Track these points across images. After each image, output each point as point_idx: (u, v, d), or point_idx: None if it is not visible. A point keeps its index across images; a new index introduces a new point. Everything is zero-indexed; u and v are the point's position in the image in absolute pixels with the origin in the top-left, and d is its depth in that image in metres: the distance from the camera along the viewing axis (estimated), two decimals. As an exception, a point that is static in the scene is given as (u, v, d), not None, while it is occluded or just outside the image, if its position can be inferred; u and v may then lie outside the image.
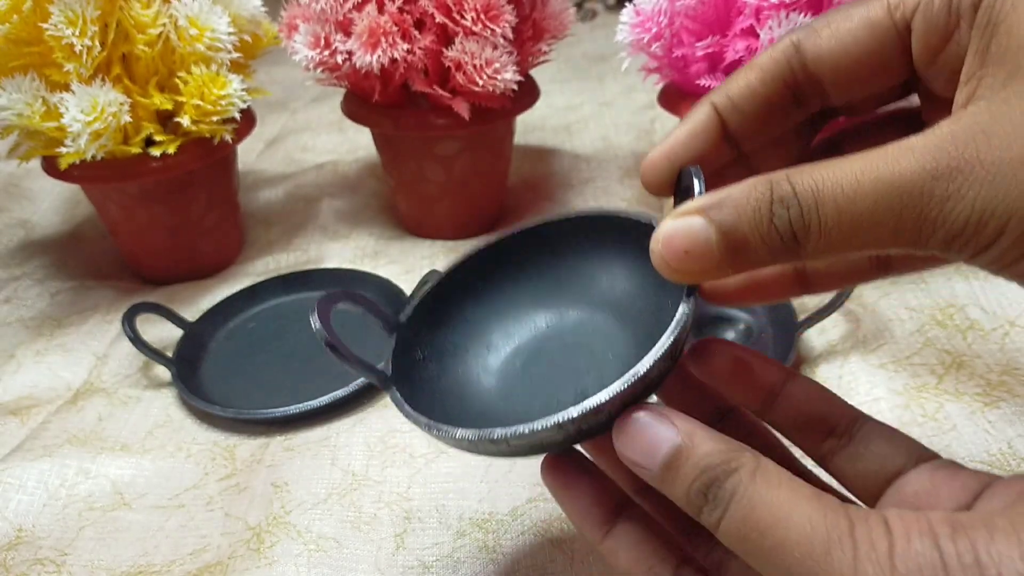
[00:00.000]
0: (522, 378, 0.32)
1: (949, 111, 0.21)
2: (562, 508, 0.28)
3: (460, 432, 0.25)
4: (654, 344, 0.24)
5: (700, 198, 0.22)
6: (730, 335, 0.51)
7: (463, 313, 0.34)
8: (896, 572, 0.18)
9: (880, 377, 0.47)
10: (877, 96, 0.25)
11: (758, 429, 0.29)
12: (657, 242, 0.22)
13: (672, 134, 0.27)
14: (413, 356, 0.32)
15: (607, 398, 0.23)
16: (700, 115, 0.26)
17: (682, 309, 0.25)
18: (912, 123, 0.27)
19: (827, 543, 0.19)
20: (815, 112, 0.26)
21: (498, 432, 0.24)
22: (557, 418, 0.24)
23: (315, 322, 0.26)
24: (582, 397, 0.24)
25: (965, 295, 0.52)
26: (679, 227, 0.22)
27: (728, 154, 0.26)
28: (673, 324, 0.24)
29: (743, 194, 0.21)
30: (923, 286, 0.53)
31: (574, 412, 0.23)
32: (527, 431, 0.24)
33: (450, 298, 0.33)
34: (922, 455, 0.25)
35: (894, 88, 0.25)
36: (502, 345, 0.33)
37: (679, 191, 0.27)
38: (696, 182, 0.25)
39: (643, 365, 0.24)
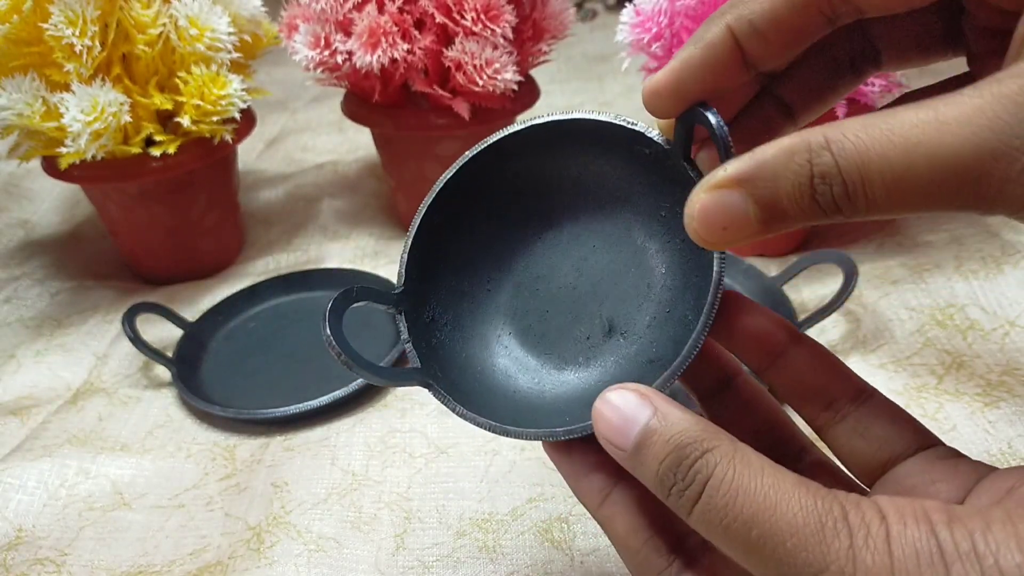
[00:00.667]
0: (538, 319, 0.31)
1: (996, 38, 0.20)
2: (560, 472, 0.27)
3: (528, 431, 0.25)
4: (667, 256, 0.24)
5: (733, 164, 0.20)
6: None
7: (450, 253, 0.31)
8: (894, 558, 0.17)
9: (880, 377, 0.46)
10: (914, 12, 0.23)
11: (762, 401, 0.28)
12: (692, 218, 0.21)
13: (680, 57, 0.24)
14: (423, 320, 0.30)
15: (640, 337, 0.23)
16: (713, 36, 0.23)
17: (716, 273, 0.24)
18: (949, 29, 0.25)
19: (820, 531, 0.18)
20: (847, 25, 0.24)
21: (560, 431, 0.25)
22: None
23: (333, 345, 0.25)
24: (608, 328, 0.23)
25: (965, 295, 0.52)
26: (715, 203, 0.20)
27: (743, 79, 0.24)
28: (708, 304, 0.24)
29: (780, 164, 0.19)
30: (923, 286, 0.53)
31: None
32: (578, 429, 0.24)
33: (433, 242, 0.30)
34: (924, 441, 0.24)
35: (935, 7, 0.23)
36: (502, 280, 0.31)
37: (686, 124, 0.25)
38: (717, 131, 0.23)
39: (680, 365, 0.24)
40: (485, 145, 0.30)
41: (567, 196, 0.31)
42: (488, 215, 0.31)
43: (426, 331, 0.29)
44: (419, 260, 0.30)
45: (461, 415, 0.27)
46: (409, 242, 0.29)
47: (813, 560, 0.18)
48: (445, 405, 0.27)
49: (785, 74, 0.26)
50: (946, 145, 0.17)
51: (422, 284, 0.30)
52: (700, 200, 0.21)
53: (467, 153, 0.30)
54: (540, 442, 0.26)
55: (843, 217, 0.19)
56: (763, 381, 0.27)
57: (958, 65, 0.26)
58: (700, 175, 0.26)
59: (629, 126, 0.28)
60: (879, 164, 0.18)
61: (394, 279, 0.58)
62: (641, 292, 0.28)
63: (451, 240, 0.31)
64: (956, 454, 0.24)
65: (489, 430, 0.26)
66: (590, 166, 0.30)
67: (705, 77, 0.24)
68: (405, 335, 0.28)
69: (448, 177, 0.30)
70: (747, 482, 0.19)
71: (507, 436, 0.26)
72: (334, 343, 0.25)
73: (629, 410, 0.22)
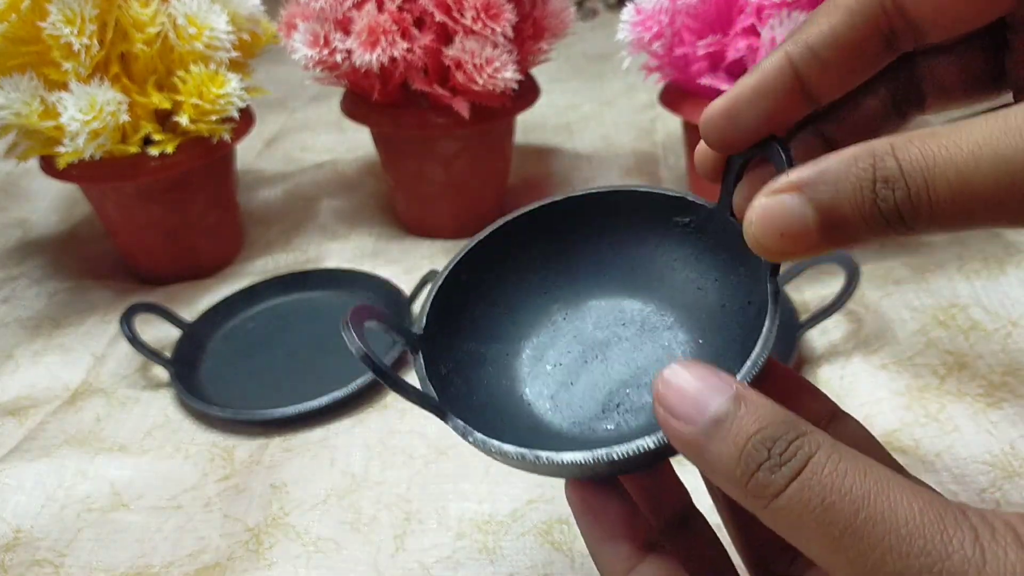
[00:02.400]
0: (562, 388, 0.29)
1: None
2: (583, 532, 0.25)
3: (568, 456, 0.22)
4: (705, 332, 0.23)
5: (795, 171, 0.20)
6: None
7: (473, 315, 0.31)
8: None
9: (882, 378, 0.46)
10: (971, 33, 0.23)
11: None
12: (751, 222, 0.20)
13: (737, 86, 0.24)
14: (439, 372, 0.28)
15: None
16: (772, 65, 0.23)
17: (767, 326, 0.23)
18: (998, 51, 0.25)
19: (940, 521, 0.16)
20: (905, 54, 0.23)
21: (617, 451, 0.22)
22: (649, 440, 0.22)
23: (356, 348, 0.23)
24: (640, 401, 0.22)
25: (967, 295, 0.52)
26: (774, 205, 0.20)
27: (802, 111, 0.24)
28: (763, 335, 0.23)
29: (843, 169, 0.19)
30: (925, 286, 0.53)
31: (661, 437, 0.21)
32: (635, 449, 0.22)
33: (457, 299, 0.30)
34: None
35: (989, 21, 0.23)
36: (523, 347, 0.31)
37: (737, 167, 0.25)
38: (779, 151, 0.23)
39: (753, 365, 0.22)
40: (520, 213, 0.30)
41: (599, 271, 0.30)
42: (516, 282, 0.31)
43: (441, 381, 0.28)
44: (440, 312, 0.29)
45: (480, 445, 0.25)
46: (434, 291, 0.29)
47: (932, 549, 0.16)
48: (463, 436, 0.25)
49: (830, 113, 0.26)
50: (1015, 148, 0.17)
51: (442, 337, 0.29)
52: (759, 203, 0.20)
53: (503, 218, 0.30)
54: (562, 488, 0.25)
55: (905, 228, 0.19)
56: None
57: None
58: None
59: (670, 194, 0.28)
60: (944, 168, 0.17)
61: (393, 279, 0.58)
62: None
63: (475, 301, 0.30)
64: None
65: (520, 460, 0.23)
66: (625, 242, 0.30)
67: (761, 104, 0.23)
68: (423, 373, 0.27)
69: (481, 237, 0.30)
70: (854, 463, 0.18)
71: (536, 468, 0.23)
72: (369, 357, 0.23)
73: (706, 383, 0.20)
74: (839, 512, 0.17)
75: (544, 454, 0.23)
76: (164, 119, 0.56)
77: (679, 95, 0.57)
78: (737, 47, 0.51)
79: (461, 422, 0.25)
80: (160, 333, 0.55)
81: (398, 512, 0.41)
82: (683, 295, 0.29)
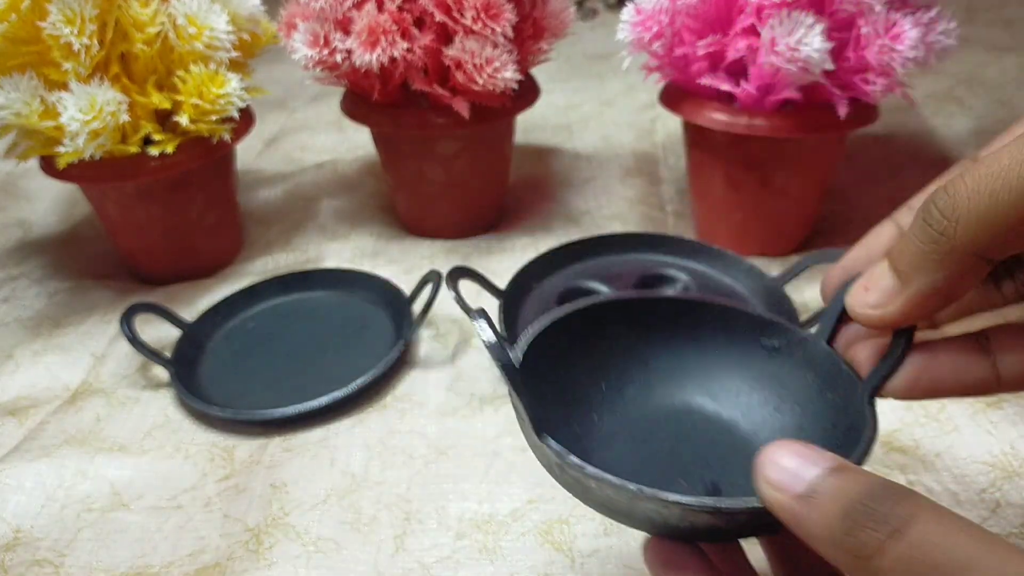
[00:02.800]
0: (627, 453, 0.30)
1: None
2: None
3: (674, 496, 0.22)
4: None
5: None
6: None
7: (558, 376, 0.30)
8: None
9: (882, 378, 0.46)
10: None
11: None
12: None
13: (854, 248, 0.28)
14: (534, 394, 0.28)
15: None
16: (882, 232, 0.26)
17: (867, 438, 0.24)
18: None
19: None
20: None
21: (725, 503, 0.22)
22: (745, 502, 0.22)
23: (506, 354, 0.23)
24: (713, 487, 0.23)
25: (967, 295, 0.52)
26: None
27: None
28: (864, 442, 0.24)
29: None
30: (925, 286, 0.53)
31: (754, 502, 0.21)
32: (741, 505, 0.22)
33: (546, 352, 0.29)
34: None
35: None
36: (592, 417, 0.31)
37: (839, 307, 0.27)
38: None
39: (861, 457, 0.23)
40: (608, 300, 0.30)
41: (677, 375, 0.31)
42: (591, 367, 0.31)
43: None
44: (529, 355, 0.28)
45: (575, 469, 0.24)
46: (531, 336, 0.29)
47: None
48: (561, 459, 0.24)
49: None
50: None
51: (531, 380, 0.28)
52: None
53: (598, 298, 0.30)
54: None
55: (946, 240, 0.21)
56: None
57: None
58: (844, 360, 0.27)
59: (765, 317, 0.29)
60: (974, 184, 0.20)
61: (393, 279, 0.58)
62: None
63: (560, 362, 0.30)
64: None
65: (619, 490, 0.23)
66: (708, 351, 0.30)
67: (869, 261, 0.26)
68: (521, 403, 0.25)
69: (572, 311, 0.30)
70: (957, 523, 0.18)
71: (631, 502, 0.23)
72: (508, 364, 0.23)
73: (804, 456, 0.21)
74: (945, 571, 0.17)
75: (648, 489, 0.22)
76: (164, 119, 0.56)
77: (679, 95, 0.57)
78: (737, 47, 0.51)
79: (558, 445, 0.24)
80: (160, 333, 0.55)
81: (398, 512, 0.41)
82: (760, 412, 0.30)
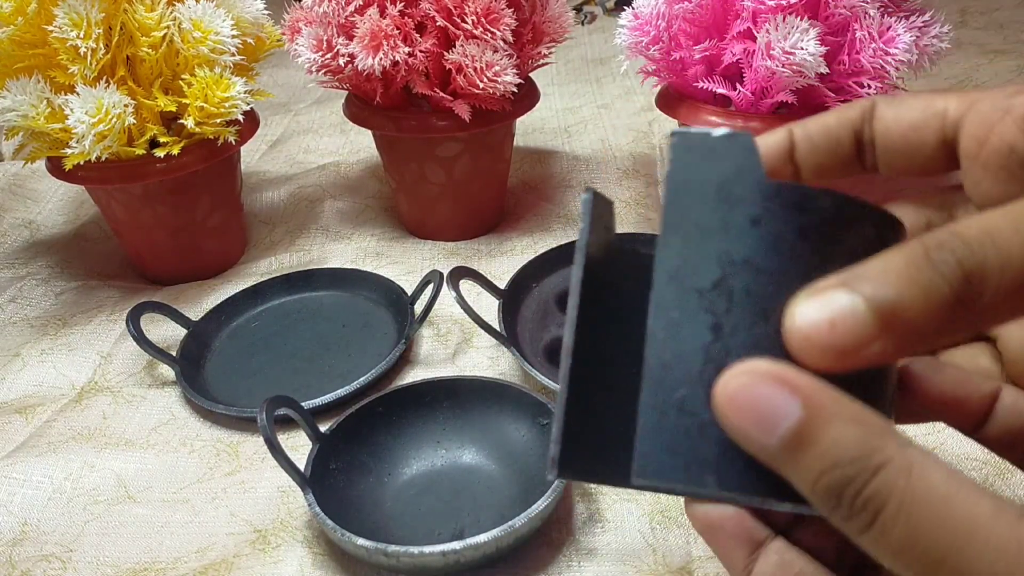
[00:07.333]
0: (412, 505, 0.41)
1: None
2: (710, 546, 0.23)
3: (361, 541, 0.35)
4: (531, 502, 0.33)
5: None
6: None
7: (374, 437, 0.44)
8: None
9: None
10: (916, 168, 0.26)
11: None
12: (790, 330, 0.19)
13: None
14: (327, 465, 0.41)
15: (485, 540, 0.33)
16: (776, 134, 0.27)
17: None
18: None
19: (1019, 552, 0.16)
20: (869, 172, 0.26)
21: (392, 548, 0.34)
22: (443, 548, 0.33)
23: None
24: (459, 535, 0.32)
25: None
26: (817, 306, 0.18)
27: (789, 174, 0.27)
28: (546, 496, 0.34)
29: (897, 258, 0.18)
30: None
31: (457, 545, 0.33)
32: (416, 553, 0.34)
33: (368, 421, 0.44)
34: None
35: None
36: (401, 472, 0.43)
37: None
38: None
39: (518, 521, 0.34)
40: (439, 379, 0.47)
41: (482, 435, 0.45)
42: (413, 424, 0.46)
43: (325, 472, 0.42)
44: (349, 425, 0.44)
45: (315, 515, 0.38)
46: (349, 412, 0.45)
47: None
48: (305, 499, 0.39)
49: None
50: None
51: (342, 441, 0.43)
52: (798, 306, 0.18)
53: (426, 378, 0.47)
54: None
55: (963, 275, 0.17)
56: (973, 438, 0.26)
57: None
58: None
59: (540, 400, 0.44)
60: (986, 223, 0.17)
61: (395, 279, 0.59)
62: None
63: (380, 425, 0.45)
64: None
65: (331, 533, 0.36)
66: (490, 422, 0.46)
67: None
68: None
69: (408, 384, 0.47)
70: (936, 504, 0.17)
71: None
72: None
73: (767, 400, 0.18)
74: (932, 566, 0.17)
75: (347, 534, 0.37)
76: (170, 122, 0.57)
77: (676, 99, 0.58)
78: (733, 51, 0.52)
79: (312, 497, 0.40)
80: (166, 332, 0.56)
81: (400, 507, 0.42)
82: (527, 470, 0.42)
